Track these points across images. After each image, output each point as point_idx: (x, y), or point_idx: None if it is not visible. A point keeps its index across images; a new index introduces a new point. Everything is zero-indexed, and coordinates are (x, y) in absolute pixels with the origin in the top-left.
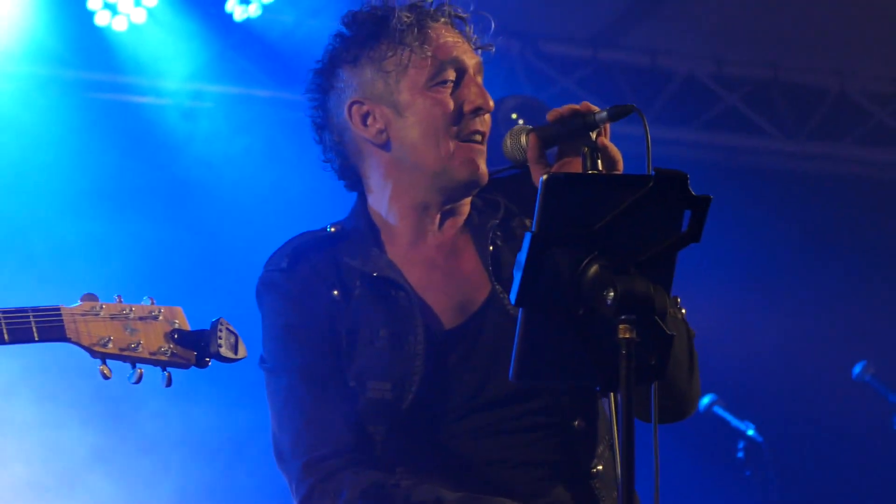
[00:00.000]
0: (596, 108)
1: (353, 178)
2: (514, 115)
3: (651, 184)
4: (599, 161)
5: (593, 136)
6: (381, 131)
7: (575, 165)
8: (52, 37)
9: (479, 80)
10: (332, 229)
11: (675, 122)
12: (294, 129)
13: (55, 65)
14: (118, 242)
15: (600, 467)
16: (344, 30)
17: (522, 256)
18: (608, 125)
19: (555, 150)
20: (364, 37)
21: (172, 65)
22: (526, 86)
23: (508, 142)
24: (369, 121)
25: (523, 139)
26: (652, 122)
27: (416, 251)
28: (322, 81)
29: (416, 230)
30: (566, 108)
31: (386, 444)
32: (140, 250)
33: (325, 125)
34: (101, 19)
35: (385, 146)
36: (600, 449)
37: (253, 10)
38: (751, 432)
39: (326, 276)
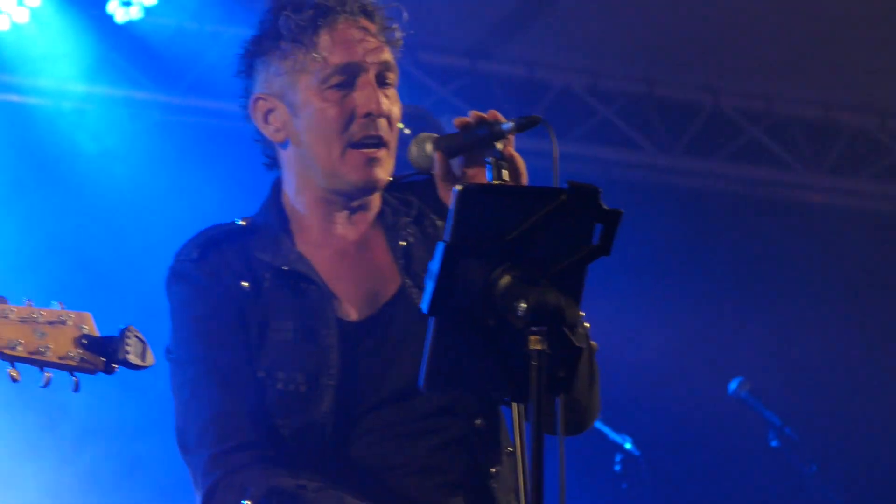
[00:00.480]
0: (503, 119)
1: (273, 163)
2: (400, 125)
3: (564, 196)
4: (505, 172)
5: (499, 146)
6: (278, 130)
7: (480, 175)
8: None
9: (390, 77)
10: (243, 223)
11: (545, 133)
12: (174, 131)
13: None
14: (14, 244)
15: (498, 468)
16: (262, 19)
17: (435, 266)
18: (513, 136)
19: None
20: (271, 32)
21: (54, 65)
22: (403, 95)
23: (413, 149)
24: (270, 118)
25: (428, 147)
26: (529, 134)
27: (327, 242)
28: (243, 68)
29: (324, 221)
30: (473, 115)
31: (295, 441)
32: (36, 253)
33: (246, 111)
34: None
35: (283, 145)
36: (499, 451)
37: (134, 13)
38: (628, 445)
39: (237, 268)
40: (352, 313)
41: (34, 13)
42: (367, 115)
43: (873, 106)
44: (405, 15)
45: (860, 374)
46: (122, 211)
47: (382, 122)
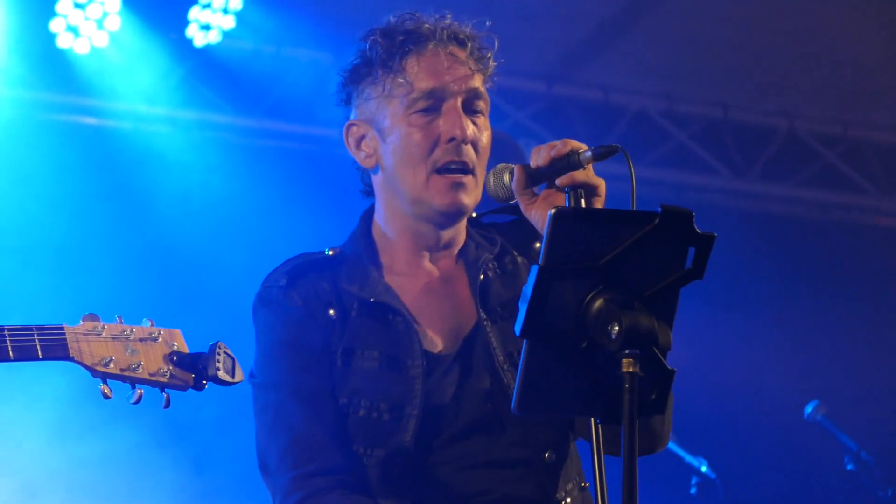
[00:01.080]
0: (583, 147)
1: (370, 191)
2: None
3: (657, 220)
4: (582, 199)
5: (582, 175)
6: (368, 156)
7: (560, 199)
8: (13, 57)
9: (481, 105)
10: (331, 252)
11: (623, 159)
12: (251, 154)
13: (15, 85)
14: (103, 264)
15: (569, 500)
16: (359, 47)
17: (529, 288)
18: (590, 164)
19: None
20: (364, 59)
21: (132, 89)
22: None
23: (492, 180)
24: (362, 144)
25: (506, 178)
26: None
27: (414, 273)
28: (343, 97)
29: (412, 251)
30: (554, 147)
31: (375, 467)
32: (126, 272)
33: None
34: (64, 41)
35: (374, 170)
36: (570, 486)
37: (213, 37)
38: (704, 468)
39: (323, 296)
40: (436, 345)
41: (113, 37)
42: (451, 140)
43: None
44: (496, 43)
45: None
46: (202, 232)
47: (468, 148)
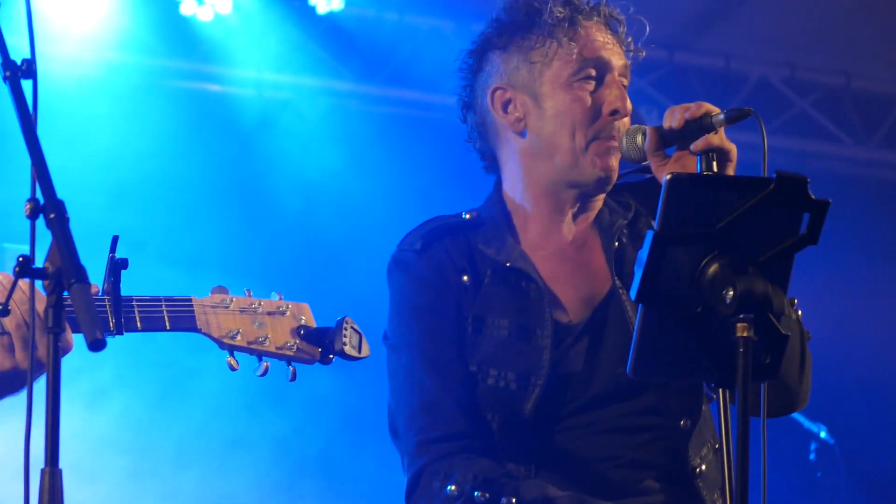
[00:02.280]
0: (716, 110)
1: (491, 162)
2: None
3: (772, 186)
4: (714, 162)
5: (714, 138)
6: (518, 119)
7: (691, 163)
8: (138, 25)
9: (625, 82)
10: (468, 216)
11: (748, 127)
12: (373, 121)
13: (141, 52)
14: (229, 236)
15: (704, 467)
16: (501, 14)
17: (644, 254)
18: (723, 127)
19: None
20: (517, 24)
21: (256, 55)
22: None
23: (624, 141)
24: (510, 108)
25: (639, 139)
26: (737, 126)
27: (548, 241)
28: (473, 63)
29: (549, 219)
30: (688, 109)
31: (501, 433)
32: (253, 245)
33: (470, 106)
34: (187, 8)
35: (522, 134)
36: (704, 450)
37: (336, 4)
38: (823, 434)
39: (458, 262)
40: (567, 315)
41: (236, 4)
42: (614, 112)
43: None
44: (647, 30)
45: None
46: (328, 201)
47: (626, 121)
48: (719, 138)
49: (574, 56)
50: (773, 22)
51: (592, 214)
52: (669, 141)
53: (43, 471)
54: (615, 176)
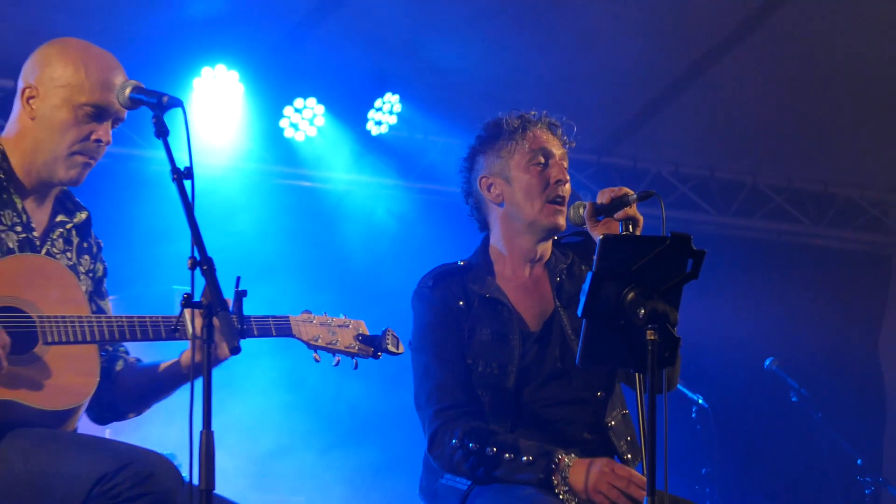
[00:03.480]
0: (631, 192)
1: (483, 225)
2: None
3: (668, 242)
4: (631, 225)
5: (629, 211)
6: (498, 195)
7: (614, 226)
8: (257, 144)
9: (564, 164)
10: (462, 263)
11: (651, 204)
12: (409, 203)
13: (257, 161)
14: (316, 281)
15: (613, 423)
16: (481, 131)
17: (586, 286)
18: (635, 204)
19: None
20: (490, 136)
21: (331, 162)
22: None
23: (571, 211)
24: (492, 189)
25: (581, 210)
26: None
27: (515, 276)
28: (467, 164)
29: (517, 262)
30: (613, 191)
31: (489, 404)
32: (328, 284)
33: (468, 192)
34: (288, 133)
35: (501, 205)
36: (615, 412)
37: (383, 129)
38: (700, 400)
39: (457, 293)
40: (528, 326)
41: (320, 130)
42: (558, 181)
43: None
44: (575, 130)
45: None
46: (378, 256)
47: (567, 187)
48: (633, 210)
49: (527, 148)
50: (664, 136)
51: (544, 260)
52: (601, 212)
53: (201, 432)
54: (562, 228)
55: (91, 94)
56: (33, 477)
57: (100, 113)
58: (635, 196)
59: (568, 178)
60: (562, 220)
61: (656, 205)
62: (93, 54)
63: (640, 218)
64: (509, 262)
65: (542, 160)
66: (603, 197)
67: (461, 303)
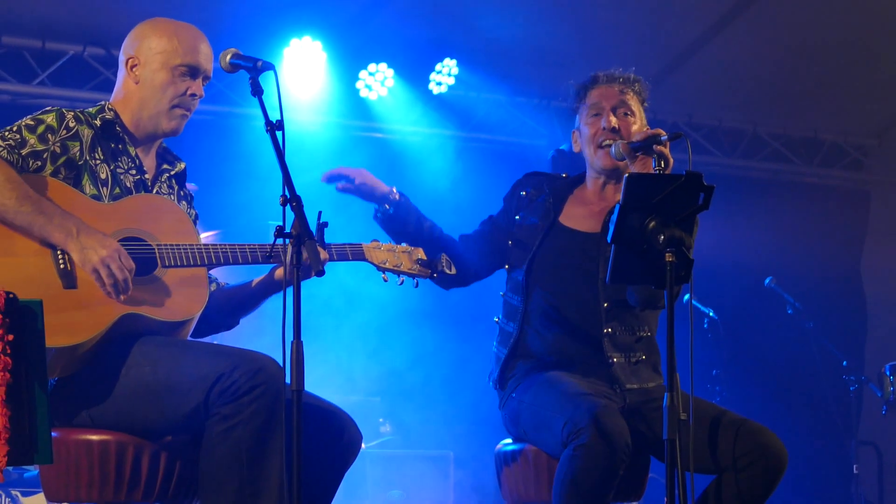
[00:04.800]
0: (663, 133)
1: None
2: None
3: (683, 179)
4: (662, 161)
5: (660, 147)
6: (576, 141)
7: (649, 162)
8: (337, 102)
9: (622, 112)
10: (564, 175)
11: (677, 147)
12: (468, 152)
13: (338, 116)
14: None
15: (609, 330)
16: (567, 97)
17: (614, 216)
18: (668, 142)
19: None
20: (573, 99)
21: (399, 117)
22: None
23: (613, 149)
24: (577, 141)
25: (622, 148)
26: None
27: (590, 199)
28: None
29: (593, 196)
30: (647, 131)
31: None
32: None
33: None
34: (363, 93)
35: (580, 153)
36: (620, 328)
37: (443, 88)
38: (711, 313)
39: (533, 186)
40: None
41: (390, 90)
42: (604, 129)
43: None
44: (631, 77)
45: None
46: (438, 195)
47: (613, 133)
48: (664, 148)
49: (587, 106)
50: (680, 91)
51: (607, 190)
52: (637, 149)
53: (292, 342)
54: (613, 166)
55: (184, 57)
56: (160, 377)
57: (192, 71)
58: (666, 136)
59: (615, 123)
60: (608, 161)
61: (678, 149)
62: (180, 25)
63: (671, 159)
64: (589, 193)
65: (597, 112)
66: (639, 136)
67: (524, 192)
